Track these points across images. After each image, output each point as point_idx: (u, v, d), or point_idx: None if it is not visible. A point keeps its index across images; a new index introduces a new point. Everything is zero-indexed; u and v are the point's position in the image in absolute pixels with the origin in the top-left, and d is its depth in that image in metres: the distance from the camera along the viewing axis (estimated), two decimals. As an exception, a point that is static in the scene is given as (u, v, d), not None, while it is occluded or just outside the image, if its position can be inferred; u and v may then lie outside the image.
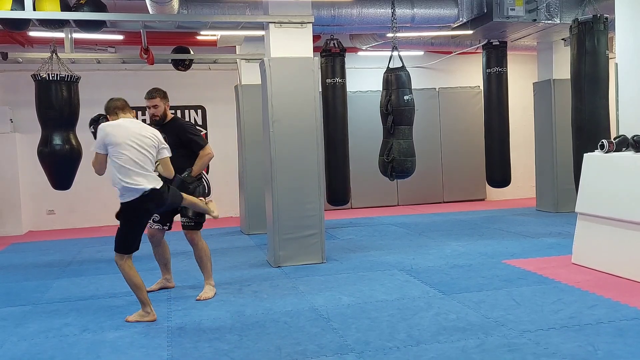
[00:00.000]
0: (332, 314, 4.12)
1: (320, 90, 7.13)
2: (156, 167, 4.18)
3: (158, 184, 4.05)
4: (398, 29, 6.82)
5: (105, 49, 8.92)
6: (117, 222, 4.29)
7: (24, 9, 5.29)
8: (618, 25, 5.40)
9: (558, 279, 4.81)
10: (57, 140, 6.24)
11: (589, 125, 6.27)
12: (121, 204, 4.06)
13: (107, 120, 4.20)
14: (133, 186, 3.96)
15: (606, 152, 5.08)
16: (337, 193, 7.68)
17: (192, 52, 8.04)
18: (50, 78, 6.14)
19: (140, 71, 9.48)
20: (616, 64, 5.43)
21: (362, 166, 9.59)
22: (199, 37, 8.32)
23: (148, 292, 4.35)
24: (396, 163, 6.61)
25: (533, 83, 9.42)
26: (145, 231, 4.46)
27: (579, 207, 5.33)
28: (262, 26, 6.17)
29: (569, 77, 6.65)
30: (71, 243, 7.86)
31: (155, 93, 4.71)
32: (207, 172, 10.44)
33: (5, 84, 9.07)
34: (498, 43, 8.06)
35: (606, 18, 6.26)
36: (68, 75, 6.24)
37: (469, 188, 10.94)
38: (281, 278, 5.29)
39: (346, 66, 7.80)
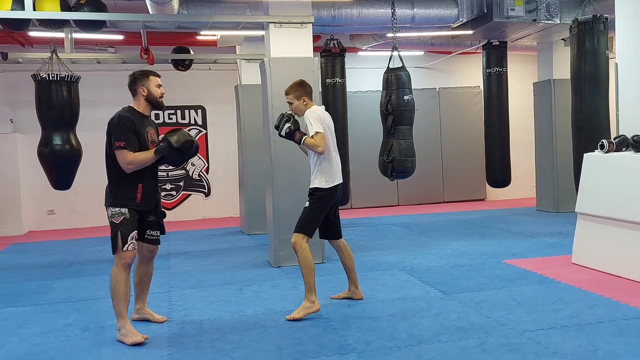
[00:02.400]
0: (333, 314, 4.12)
1: (320, 90, 7.14)
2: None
3: None
4: (398, 29, 6.82)
5: (105, 49, 8.92)
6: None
7: (24, 9, 5.29)
8: (618, 25, 5.40)
9: (558, 279, 4.81)
10: (57, 141, 6.24)
11: (589, 125, 6.28)
12: (325, 189, 4.13)
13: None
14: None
15: (606, 152, 5.08)
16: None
17: (192, 52, 8.04)
18: (50, 78, 6.14)
19: (140, 71, 9.47)
20: (616, 64, 5.44)
21: (362, 166, 9.60)
22: (199, 37, 8.32)
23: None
24: (396, 163, 6.61)
25: (533, 83, 9.43)
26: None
27: (579, 207, 5.34)
28: (262, 26, 6.17)
29: (569, 77, 6.65)
30: (72, 243, 7.87)
31: None
32: (208, 172, 10.50)
33: (5, 84, 9.07)
34: (498, 43, 8.06)
35: (606, 18, 6.27)
36: (68, 75, 6.24)
37: (469, 188, 10.95)
38: (282, 278, 5.29)
39: (346, 66, 7.80)
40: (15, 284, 5.53)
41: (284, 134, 4.14)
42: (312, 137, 4.02)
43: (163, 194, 9.88)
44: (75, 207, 9.36)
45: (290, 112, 4.22)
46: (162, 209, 4.02)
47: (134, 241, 3.69)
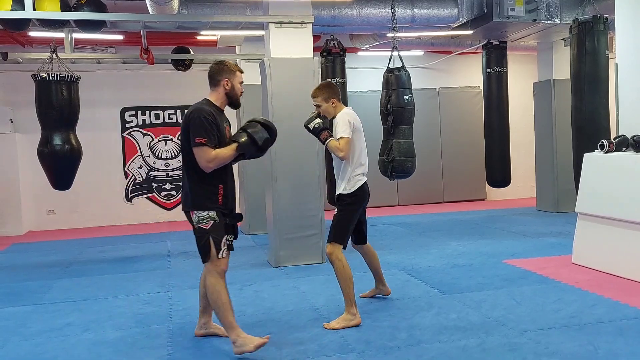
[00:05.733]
0: (333, 314, 4.12)
1: (321, 90, 7.13)
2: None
3: None
4: (398, 29, 6.82)
5: (105, 49, 8.92)
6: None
7: (24, 9, 5.29)
8: (618, 25, 5.40)
9: (558, 279, 4.81)
10: (57, 140, 6.24)
11: (589, 125, 6.28)
12: (349, 194, 4.11)
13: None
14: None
15: (606, 152, 5.08)
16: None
17: (192, 52, 8.04)
18: (50, 78, 6.14)
19: (140, 71, 9.49)
20: (616, 64, 5.44)
21: (362, 166, 9.58)
22: (199, 37, 8.32)
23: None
24: (396, 163, 6.61)
25: (533, 83, 9.43)
26: None
27: (579, 207, 5.34)
28: (262, 26, 6.17)
29: (569, 77, 6.66)
30: (72, 243, 7.87)
31: None
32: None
33: (5, 84, 9.07)
34: (498, 43, 8.06)
35: (606, 18, 6.27)
36: (68, 75, 6.24)
37: (469, 188, 10.95)
38: (282, 278, 5.29)
39: (346, 66, 7.80)
40: (16, 283, 5.53)
41: (311, 127, 4.04)
42: (337, 140, 3.96)
43: (163, 194, 9.89)
44: (75, 207, 9.36)
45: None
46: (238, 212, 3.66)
47: (226, 247, 3.39)
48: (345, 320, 3.82)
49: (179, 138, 3.49)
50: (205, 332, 3.75)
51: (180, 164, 10.82)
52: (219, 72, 3.51)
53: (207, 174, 3.33)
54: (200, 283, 3.66)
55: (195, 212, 3.34)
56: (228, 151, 3.35)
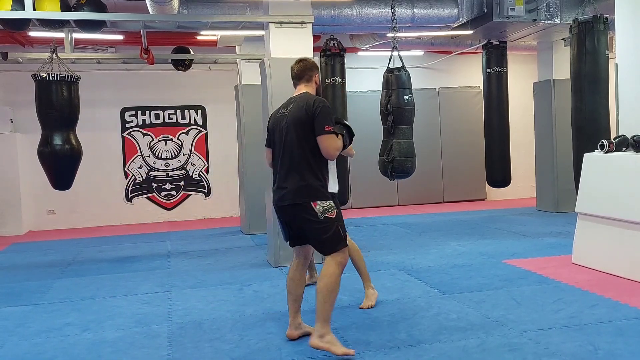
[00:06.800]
0: (333, 314, 4.11)
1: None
2: None
3: None
4: (398, 29, 6.81)
5: (105, 49, 8.93)
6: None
7: (24, 9, 5.29)
8: (618, 25, 5.40)
9: (558, 279, 4.81)
10: (57, 140, 6.24)
11: (589, 125, 6.28)
12: (333, 194, 3.89)
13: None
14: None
15: (606, 152, 5.08)
16: (337, 193, 7.67)
17: (192, 52, 8.04)
18: (51, 78, 6.14)
19: (140, 71, 9.49)
20: (616, 64, 5.43)
21: (362, 166, 9.58)
22: (199, 37, 8.32)
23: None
24: (396, 163, 6.59)
25: (533, 83, 9.43)
26: None
27: (579, 207, 5.34)
28: (262, 26, 6.17)
29: (569, 77, 6.65)
30: (72, 243, 7.87)
31: None
32: (208, 172, 10.49)
33: (5, 84, 9.07)
34: (498, 43, 8.06)
35: (606, 18, 6.27)
36: (68, 75, 6.24)
37: (469, 188, 10.95)
38: (281, 278, 5.28)
39: (346, 66, 7.80)
40: (15, 283, 5.53)
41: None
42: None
43: (163, 194, 9.89)
44: (75, 207, 9.36)
45: None
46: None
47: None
48: (372, 295, 4.29)
49: (287, 129, 3.41)
50: (302, 332, 3.65)
51: (181, 164, 10.77)
52: (310, 68, 3.58)
53: (322, 163, 3.39)
54: (294, 283, 3.56)
55: (319, 202, 3.28)
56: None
